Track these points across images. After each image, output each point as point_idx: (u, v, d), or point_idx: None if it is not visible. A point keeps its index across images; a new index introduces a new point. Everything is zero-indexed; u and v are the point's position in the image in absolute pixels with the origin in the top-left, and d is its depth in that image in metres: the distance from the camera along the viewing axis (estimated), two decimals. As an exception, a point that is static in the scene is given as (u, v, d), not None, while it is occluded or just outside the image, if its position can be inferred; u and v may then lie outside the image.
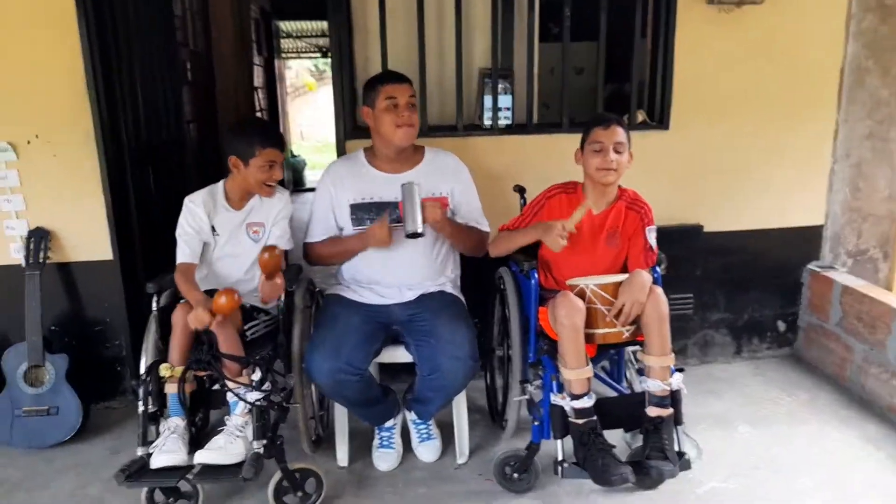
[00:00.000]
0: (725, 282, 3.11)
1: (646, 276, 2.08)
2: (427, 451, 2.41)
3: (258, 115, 6.93)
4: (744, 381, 2.98)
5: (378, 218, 2.24)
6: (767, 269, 3.12)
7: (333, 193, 2.34)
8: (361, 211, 2.31)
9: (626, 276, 2.10)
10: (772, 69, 2.91)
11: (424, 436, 2.44)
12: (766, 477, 2.28)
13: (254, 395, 2.02)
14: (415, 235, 2.13)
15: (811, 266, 3.11)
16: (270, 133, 2.30)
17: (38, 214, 2.65)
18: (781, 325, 3.21)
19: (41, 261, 2.59)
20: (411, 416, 2.43)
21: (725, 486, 2.24)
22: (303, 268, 2.45)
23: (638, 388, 2.15)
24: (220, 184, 2.29)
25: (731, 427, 2.59)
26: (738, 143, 2.96)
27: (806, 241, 3.11)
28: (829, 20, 2.90)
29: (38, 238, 2.60)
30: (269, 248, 2.08)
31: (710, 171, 2.98)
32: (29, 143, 2.59)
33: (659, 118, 2.94)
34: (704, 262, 3.05)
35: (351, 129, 2.79)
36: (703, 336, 3.17)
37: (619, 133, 2.14)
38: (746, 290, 3.14)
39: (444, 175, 2.36)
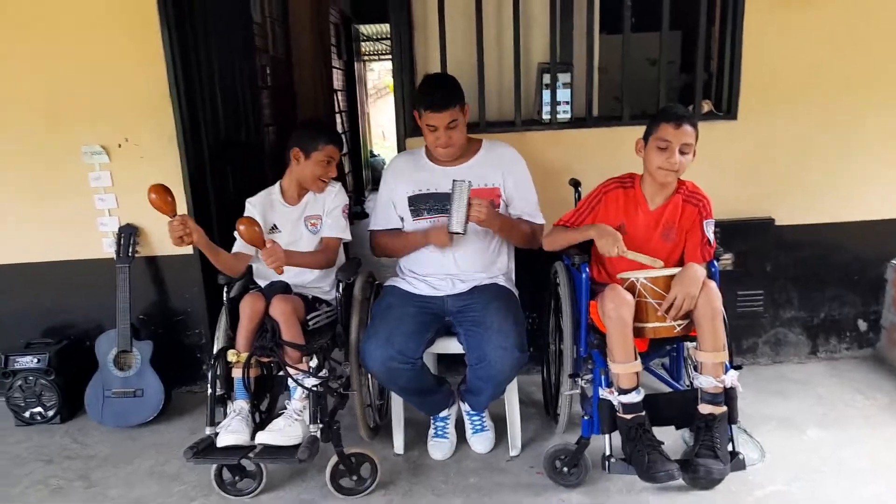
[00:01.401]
0: (799, 278, 2.97)
1: (699, 270, 2.03)
2: (480, 442, 2.46)
3: (337, 116, 7.17)
4: (817, 382, 2.83)
5: (438, 215, 2.32)
6: (846, 264, 2.96)
7: (393, 186, 2.44)
8: (419, 202, 2.38)
9: (677, 269, 2.05)
10: (850, 56, 2.75)
11: (478, 427, 2.48)
12: (832, 482, 2.17)
13: (311, 381, 2.13)
14: (455, 234, 2.20)
15: (895, 262, 2.92)
16: (333, 133, 2.46)
17: (128, 212, 2.89)
18: (862, 325, 3.03)
19: (130, 255, 2.82)
20: (465, 407, 2.48)
21: (787, 489, 2.15)
22: (362, 261, 2.54)
23: (694, 384, 2.10)
24: (277, 184, 2.45)
25: (798, 429, 2.48)
26: (811, 133, 2.82)
27: (889, 235, 2.92)
28: (909, 3, 2.71)
29: (128, 234, 2.84)
30: (243, 220, 2.09)
31: (781, 162, 2.85)
32: (119, 146, 2.83)
33: (727, 108, 2.85)
34: (776, 257, 2.92)
35: (412, 127, 2.86)
36: (775, 334, 3.04)
37: (689, 133, 2.07)
38: (822, 287, 2.99)
39: (499, 166, 2.39)
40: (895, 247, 2.93)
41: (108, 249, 2.90)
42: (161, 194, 2.03)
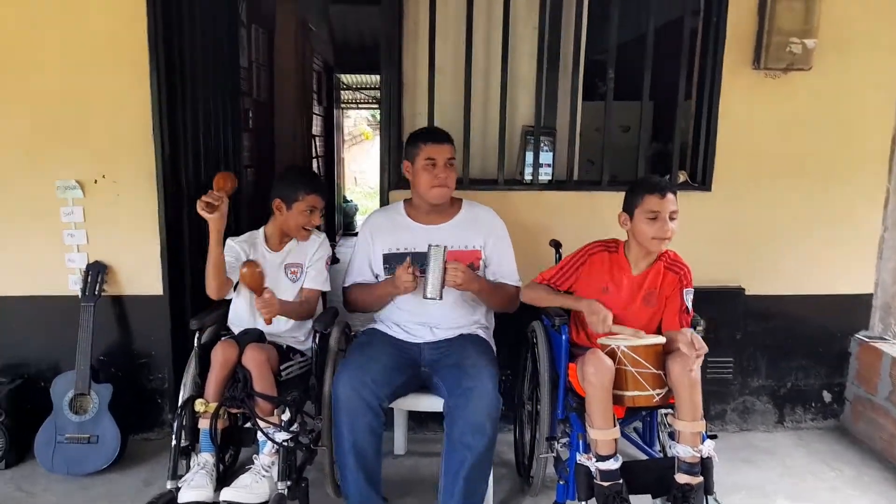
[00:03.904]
0: (768, 347, 3.03)
1: (688, 332, 2.06)
2: None
3: (314, 161, 7.20)
4: (785, 452, 2.86)
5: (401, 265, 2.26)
6: (812, 336, 3.03)
7: (370, 242, 2.43)
8: (394, 260, 2.36)
9: (657, 338, 2.08)
10: (819, 135, 2.89)
11: None
12: (804, 557, 2.17)
13: (282, 435, 2.07)
14: (432, 299, 2.17)
15: (859, 336, 3.01)
16: (315, 181, 2.44)
17: (98, 249, 2.81)
18: (827, 396, 3.09)
19: (96, 293, 2.73)
20: None
21: (759, 562, 2.14)
22: (339, 311, 2.51)
23: (670, 452, 2.10)
24: (261, 229, 2.43)
25: (769, 499, 2.49)
26: (783, 208, 2.93)
27: (854, 309, 3.02)
28: (879, 87, 2.89)
29: (96, 272, 2.76)
30: (248, 263, 2.12)
31: (753, 234, 2.94)
32: (96, 182, 2.77)
33: (701, 179, 2.94)
34: (745, 325, 2.98)
35: (396, 180, 2.88)
36: (744, 402, 3.07)
37: (673, 201, 2.13)
38: (790, 357, 3.05)
39: (478, 228, 2.40)
40: (859, 321, 3.03)
41: (73, 287, 2.80)
42: (251, 267, 2.08)
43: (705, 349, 1.99)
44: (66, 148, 2.72)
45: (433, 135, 2.35)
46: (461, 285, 2.19)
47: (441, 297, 2.17)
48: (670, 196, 2.12)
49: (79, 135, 2.72)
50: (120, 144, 2.74)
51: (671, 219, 2.11)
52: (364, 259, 2.43)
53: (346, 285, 2.47)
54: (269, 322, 2.12)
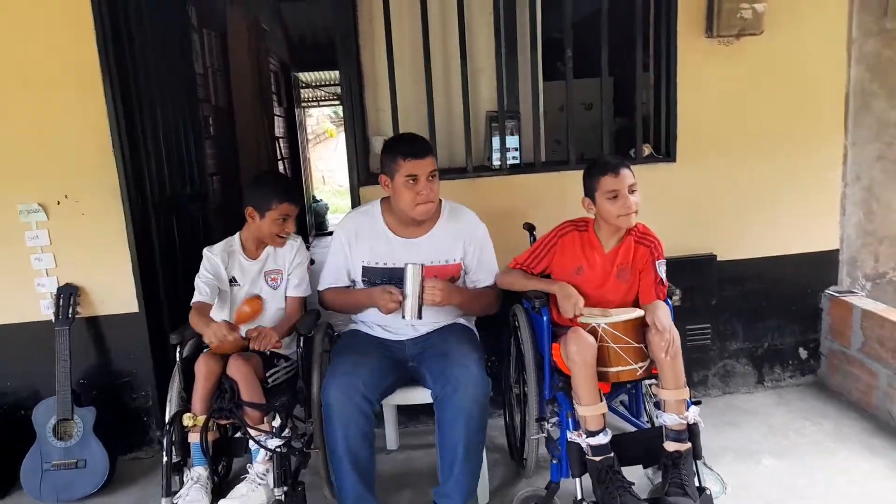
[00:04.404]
0: (743, 310, 3.10)
1: (663, 305, 2.10)
2: None
3: (279, 163, 7.12)
4: (767, 412, 2.94)
5: (385, 285, 2.23)
6: (785, 296, 3.11)
7: (348, 252, 2.35)
8: (373, 274, 2.33)
9: (636, 311, 2.11)
10: (775, 97, 2.94)
11: None
12: (794, 511, 2.24)
13: (274, 442, 2.06)
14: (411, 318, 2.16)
15: (829, 291, 3.09)
16: (287, 188, 2.39)
17: (68, 271, 2.76)
18: (803, 353, 3.17)
19: (70, 316, 2.68)
20: None
21: (751, 520, 2.20)
22: (321, 313, 2.50)
23: (657, 422, 2.15)
24: (237, 235, 2.39)
25: (755, 459, 2.55)
26: (746, 172, 2.99)
27: (822, 266, 3.09)
28: (830, 45, 2.94)
29: (68, 294, 2.70)
30: (253, 300, 2.28)
31: (720, 200, 3.00)
32: (59, 203, 2.71)
33: (665, 151, 2.98)
34: (720, 291, 3.04)
35: (365, 176, 2.87)
36: (724, 366, 3.14)
37: (629, 175, 2.16)
38: (765, 318, 3.12)
39: (460, 237, 2.34)
40: (828, 277, 3.11)
41: (45, 311, 2.75)
42: (252, 305, 2.30)
43: (668, 333, 2.01)
44: (24, 170, 2.66)
45: (413, 149, 2.19)
46: (440, 302, 2.17)
47: (420, 318, 2.17)
48: (624, 171, 2.15)
49: (36, 156, 2.66)
50: (80, 162, 2.68)
51: (631, 192, 2.14)
52: (341, 264, 2.38)
53: (321, 288, 2.43)
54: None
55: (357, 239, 2.34)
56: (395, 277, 2.23)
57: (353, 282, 2.40)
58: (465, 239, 2.35)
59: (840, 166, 3.02)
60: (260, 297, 2.31)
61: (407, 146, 2.21)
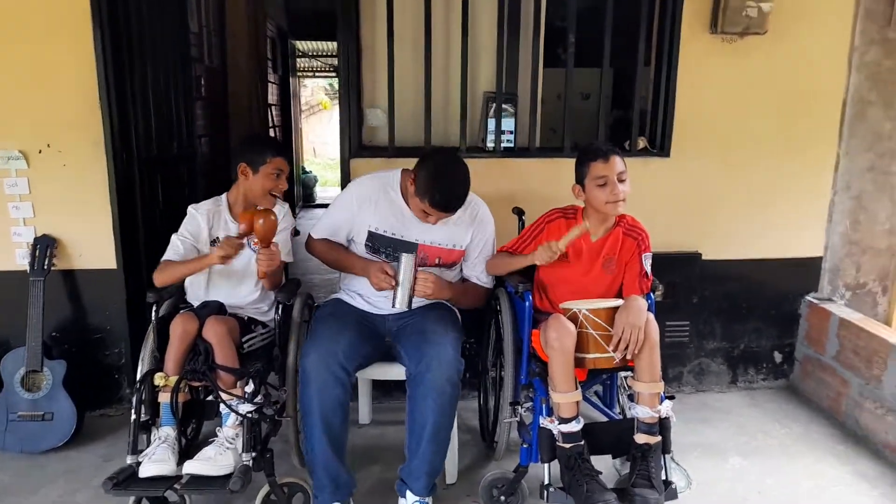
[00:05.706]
0: (722, 310, 3.12)
1: (642, 302, 2.09)
2: None
3: (271, 130, 7.03)
4: (738, 412, 2.96)
5: (387, 259, 2.25)
6: (765, 299, 3.12)
7: (356, 212, 2.32)
8: (378, 241, 2.30)
9: (618, 301, 2.11)
10: (774, 100, 2.94)
11: None
12: (756, 510, 2.26)
13: (246, 407, 2.04)
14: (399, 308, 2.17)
15: (809, 297, 3.11)
16: (280, 145, 2.40)
17: (46, 222, 2.71)
18: (778, 357, 3.20)
19: (46, 267, 2.63)
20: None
21: (715, 516, 2.22)
22: (301, 282, 2.48)
23: (629, 413, 2.15)
24: (224, 196, 2.34)
25: (723, 457, 2.58)
26: (739, 173, 2.98)
27: (805, 272, 3.11)
28: (832, 52, 2.94)
29: (45, 245, 2.65)
30: (264, 212, 2.10)
31: (710, 199, 3.00)
32: (40, 152, 2.65)
33: (660, 146, 2.97)
34: (702, 289, 3.06)
35: (357, 147, 2.83)
36: (699, 364, 3.17)
37: (619, 162, 2.15)
38: (743, 320, 3.14)
39: (470, 226, 2.34)
40: (809, 283, 3.13)
41: (21, 261, 2.70)
42: (267, 216, 2.10)
43: (626, 332, 1.99)
44: (6, 117, 2.60)
45: (447, 206, 2.16)
46: (430, 296, 2.18)
47: (410, 308, 2.17)
48: (615, 158, 2.14)
49: (19, 101, 2.60)
50: (65, 113, 2.62)
51: (620, 180, 2.13)
52: (342, 221, 2.34)
53: (316, 237, 2.39)
54: (262, 276, 2.17)
55: (370, 203, 2.31)
56: (399, 250, 2.23)
57: (350, 241, 2.37)
58: (475, 228, 2.35)
59: (831, 174, 3.02)
60: (272, 211, 2.16)
61: (442, 202, 2.15)
